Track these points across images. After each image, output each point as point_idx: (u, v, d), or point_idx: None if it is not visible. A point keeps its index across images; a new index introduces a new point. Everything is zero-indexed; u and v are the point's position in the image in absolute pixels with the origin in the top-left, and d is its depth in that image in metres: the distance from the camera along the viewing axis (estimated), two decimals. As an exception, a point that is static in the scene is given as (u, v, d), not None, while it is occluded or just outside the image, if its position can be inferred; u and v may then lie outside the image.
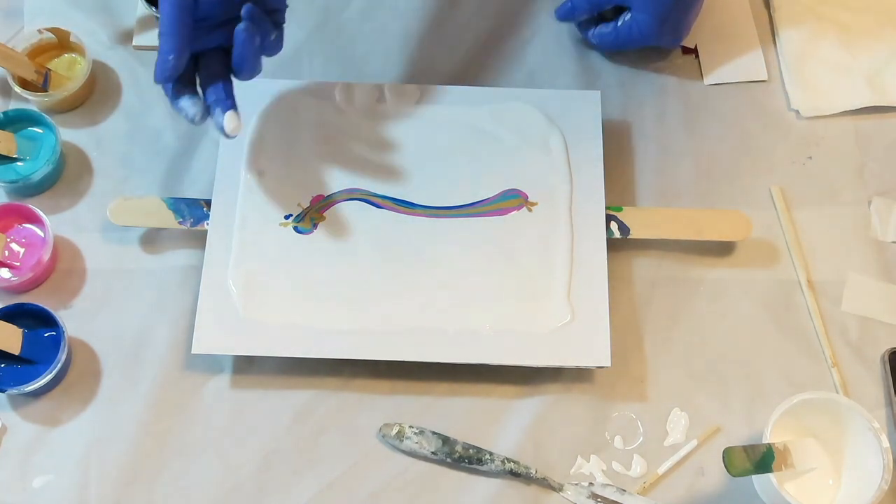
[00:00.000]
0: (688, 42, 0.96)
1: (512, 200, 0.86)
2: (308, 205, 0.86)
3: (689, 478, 0.81)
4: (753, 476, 0.78)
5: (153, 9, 0.93)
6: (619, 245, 0.87)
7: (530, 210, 0.86)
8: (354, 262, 0.84)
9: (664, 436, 0.82)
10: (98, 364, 0.84)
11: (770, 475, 0.73)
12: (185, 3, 0.75)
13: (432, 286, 0.83)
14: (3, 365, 0.81)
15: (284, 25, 0.91)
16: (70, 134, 0.92)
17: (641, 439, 0.82)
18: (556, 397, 0.83)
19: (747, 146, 0.93)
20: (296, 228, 0.85)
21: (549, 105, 0.90)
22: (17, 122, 0.90)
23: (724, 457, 0.72)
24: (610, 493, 0.79)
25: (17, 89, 0.90)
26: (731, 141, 0.93)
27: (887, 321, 0.86)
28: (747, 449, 0.73)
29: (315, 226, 0.85)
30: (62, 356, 0.80)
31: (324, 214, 0.86)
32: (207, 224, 0.85)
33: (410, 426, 0.81)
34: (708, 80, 0.96)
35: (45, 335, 0.82)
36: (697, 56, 0.97)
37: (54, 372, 0.80)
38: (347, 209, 0.86)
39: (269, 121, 0.89)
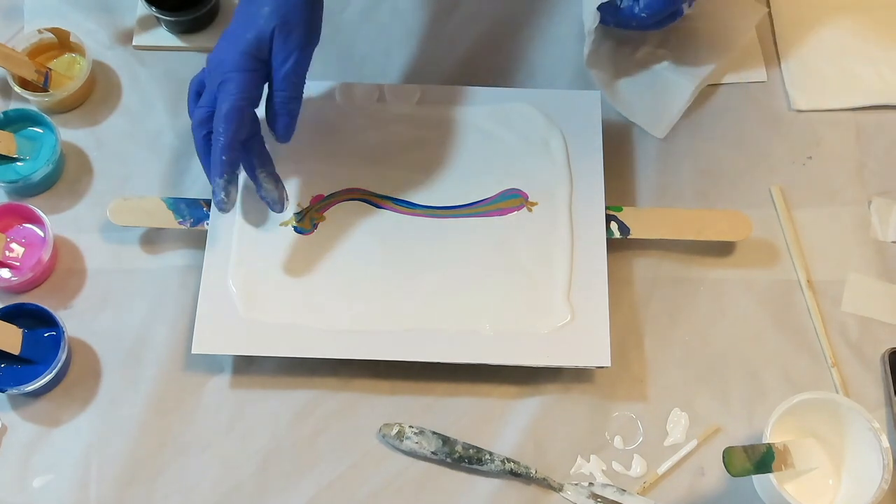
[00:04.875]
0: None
1: (512, 200, 0.86)
2: (308, 205, 0.86)
3: (689, 478, 0.81)
4: (753, 476, 0.78)
5: (153, 9, 0.93)
6: (619, 245, 0.87)
7: (530, 210, 0.86)
8: (354, 263, 0.84)
9: (664, 436, 0.82)
10: (98, 364, 0.84)
11: (770, 475, 0.73)
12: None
13: (432, 286, 0.83)
14: (3, 365, 0.81)
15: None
16: (70, 134, 0.92)
17: (641, 439, 0.82)
18: (556, 397, 0.83)
19: (747, 146, 0.93)
20: (296, 228, 0.85)
21: (549, 105, 0.90)
22: (17, 122, 0.90)
23: (724, 457, 0.72)
24: (610, 493, 0.79)
25: (17, 89, 0.91)
26: (731, 141, 0.93)
27: (887, 321, 0.86)
28: (747, 449, 0.73)
29: (315, 226, 0.85)
30: (62, 356, 0.80)
31: (324, 214, 0.86)
32: (207, 224, 0.85)
33: (410, 426, 0.81)
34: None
35: (45, 335, 0.82)
36: (697, 56, 0.97)
37: (54, 372, 0.80)
38: (347, 209, 0.86)
39: (269, 121, 0.89)
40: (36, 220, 0.87)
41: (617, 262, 0.87)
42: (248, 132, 0.79)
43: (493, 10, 0.98)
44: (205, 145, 0.79)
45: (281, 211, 0.84)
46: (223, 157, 0.78)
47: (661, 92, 0.94)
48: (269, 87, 0.79)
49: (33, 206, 0.86)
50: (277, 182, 0.83)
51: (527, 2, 0.99)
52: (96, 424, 0.82)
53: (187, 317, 0.84)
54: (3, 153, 0.88)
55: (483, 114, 0.90)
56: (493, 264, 0.84)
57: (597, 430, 0.82)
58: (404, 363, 0.81)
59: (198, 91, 0.81)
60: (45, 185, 0.90)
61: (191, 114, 0.81)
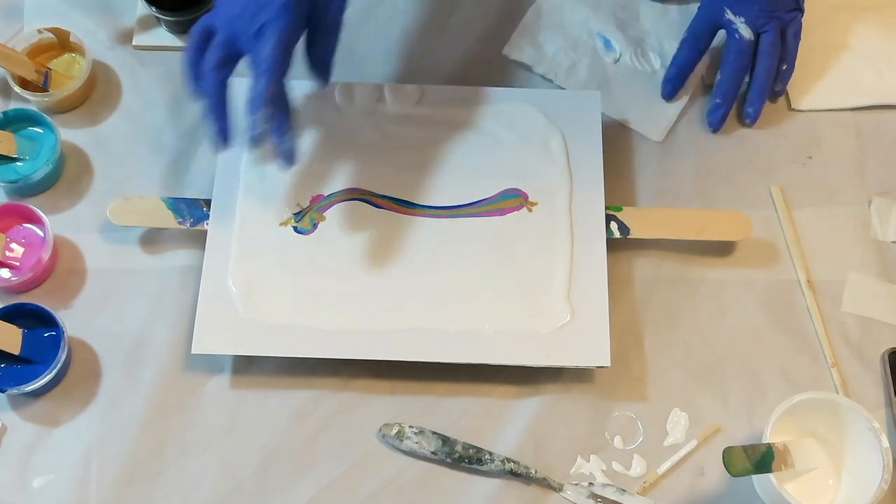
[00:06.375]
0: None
1: (512, 200, 0.86)
2: (308, 205, 0.86)
3: (689, 478, 0.81)
4: (753, 476, 0.78)
5: (153, 9, 0.93)
6: (619, 245, 0.87)
7: (530, 210, 0.86)
8: (354, 263, 0.84)
9: (664, 436, 0.82)
10: (98, 364, 0.84)
11: (770, 475, 0.73)
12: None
13: (432, 286, 0.83)
14: (3, 365, 0.81)
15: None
16: (70, 134, 0.92)
17: (641, 439, 0.82)
18: (556, 397, 0.83)
19: (747, 146, 0.93)
20: (296, 228, 0.85)
21: (549, 105, 0.90)
22: (17, 122, 0.90)
23: (724, 457, 0.72)
24: (610, 493, 0.79)
25: (17, 89, 0.91)
26: (731, 141, 0.93)
27: (887, 321, 0.86)
28: (747, 449, 0.73)
29: (315, 226, 0.85)
30: (62, 356, 0.80)
31: (324, 214, 0.86)
32: (207, 224, 0.85)
33: (410, 426, 0.81)
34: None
35: (45, 335, 0.82)
36: (697, 56, 0.97)
37: (54, 372, 0.80)
38: (347, 209, 0.86)
39: (269, 121, 0.89)
40: (36, 220, 0.87)
41: (617, 262, 0.87)
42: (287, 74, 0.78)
43: (493, 10, 0.98)
44: (219, 90, 0.77)
45: (293, 164, 0.81)
46: (266, 91, 0.76)
47: (656, 95, 0.94)
48: (314, 32, 0.79)
49: (33, 206, 0.86)
50: (292, 130, 0.81)
51: (527, 2, 0.99)
52: (96, 424, 0.82)
53: (187, 317, 0.84)
54: (3, 153, 0.88)
55: (483, 114, 0.90)
56: (493, 264, 0.84)
57: (597, 430, 0.82)
58: (404, 363, 0.81)
59: (204, 38, 0.78)
60: (45, 185, 0.90)
61: (194, 62, 0.78)
